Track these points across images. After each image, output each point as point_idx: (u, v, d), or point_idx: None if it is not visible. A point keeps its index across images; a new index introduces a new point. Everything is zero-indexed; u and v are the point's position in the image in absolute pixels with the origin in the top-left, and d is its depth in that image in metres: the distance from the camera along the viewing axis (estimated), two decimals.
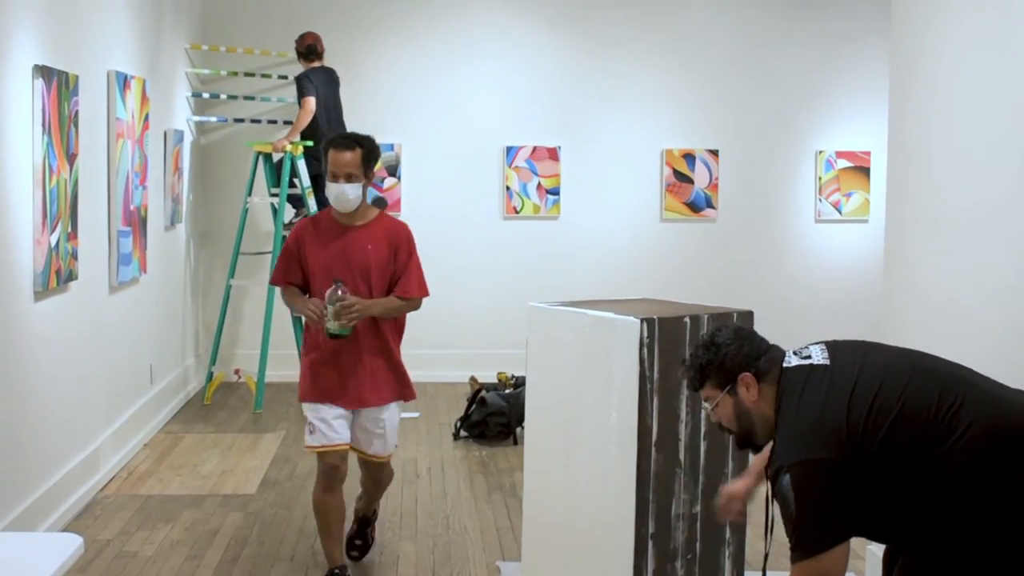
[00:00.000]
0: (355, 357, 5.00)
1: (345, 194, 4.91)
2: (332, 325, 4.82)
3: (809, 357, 3.21)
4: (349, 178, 4.90)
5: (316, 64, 9.20)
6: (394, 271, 5.04)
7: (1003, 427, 2.99)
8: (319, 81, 9.08)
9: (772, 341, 3.38)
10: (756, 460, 3.64)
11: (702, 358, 3.33)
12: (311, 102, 8.94)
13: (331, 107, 9.16)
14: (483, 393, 7.94)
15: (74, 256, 6.04)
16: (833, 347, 3.24)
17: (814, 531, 2.99)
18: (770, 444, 3.23)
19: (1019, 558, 2.98)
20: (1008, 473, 2.96)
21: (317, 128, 8.99)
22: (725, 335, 3.33)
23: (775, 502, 3.11)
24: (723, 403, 3.31)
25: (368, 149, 4.96)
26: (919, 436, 3.00)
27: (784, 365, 3.23)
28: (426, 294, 5.14)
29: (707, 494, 4.39)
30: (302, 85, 9.03)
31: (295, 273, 5.08)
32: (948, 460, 2.97)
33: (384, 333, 5.08)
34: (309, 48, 9.18)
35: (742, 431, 3.31)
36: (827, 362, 3.17)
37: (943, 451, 2.98)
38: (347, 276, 4.92)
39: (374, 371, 5.06)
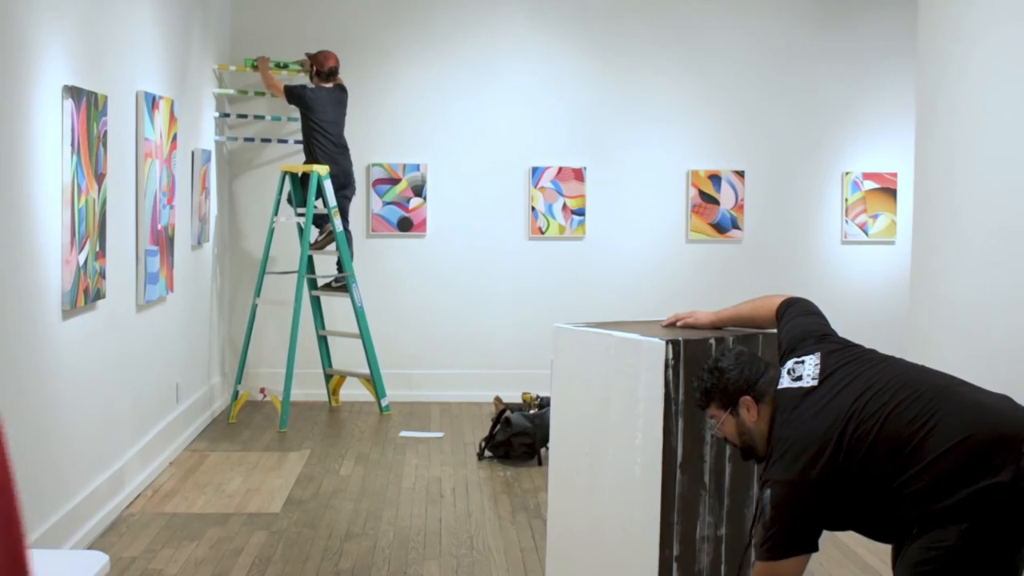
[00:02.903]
0: None
1: None
2: None
3: (800, 378, 3.49)
4: None
5: (328, 84, 9.23)
6: None
7: (978, 438, 3.16)
8: (324, 100, 9.11)
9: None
10: (736, 311, 4.34)
11: (707, 381, 3.69)
12: (281, 87, 9.16)
13: (332, 129, 9.14)
14: (508, 413, 7.93)
15: (102, 275, 6.08)
16: (825, 363, 3.49)
17: (780, 539, 3.35)
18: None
19: (1001, 551, 3.14)
20: (985, 474, 3.12)
21: (318, 150, 9.01)
22: (728, 360, 3.68)
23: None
24: (727, 422, 3.66)
25: None
26: (896, 452, 3.23)
27: (778, 387, 3.53)
28: None
29: (732, 516, 4.37)
30: (299, 93, 9.06)
31: None
32: (923, 474, 3.17)
33: None
34: (331, 71, 9.22)
35: (744, 446, 3.66)
36: (815, 383, 3.44)
37: (916, 469, 3.18)
38: None
39: None
